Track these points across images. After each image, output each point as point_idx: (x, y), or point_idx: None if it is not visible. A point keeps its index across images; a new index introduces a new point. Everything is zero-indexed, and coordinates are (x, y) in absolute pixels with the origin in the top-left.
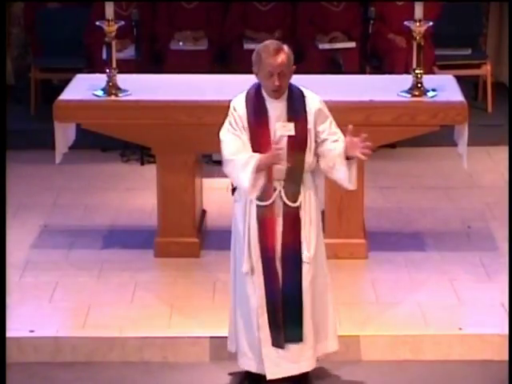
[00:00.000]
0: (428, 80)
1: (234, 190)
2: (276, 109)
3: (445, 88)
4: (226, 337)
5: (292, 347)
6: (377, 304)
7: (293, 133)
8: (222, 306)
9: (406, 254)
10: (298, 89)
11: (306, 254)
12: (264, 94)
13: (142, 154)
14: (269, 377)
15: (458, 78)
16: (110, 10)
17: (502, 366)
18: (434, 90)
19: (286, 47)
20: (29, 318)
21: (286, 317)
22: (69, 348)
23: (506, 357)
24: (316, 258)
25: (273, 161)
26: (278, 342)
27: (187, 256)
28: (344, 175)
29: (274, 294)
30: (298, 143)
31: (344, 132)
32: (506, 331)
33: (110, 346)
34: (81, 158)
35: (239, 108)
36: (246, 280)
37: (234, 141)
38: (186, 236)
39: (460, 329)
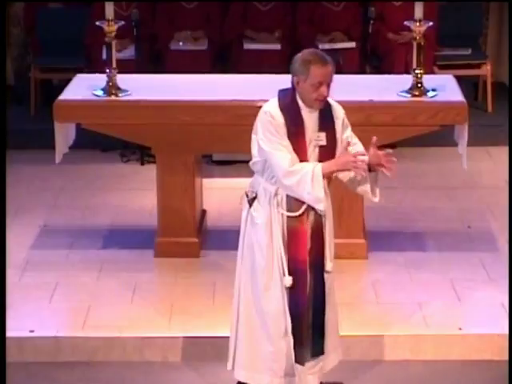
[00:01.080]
0: (428, 80)
1: (253, 199)
2: (311, 119)
3: (445, 88)
4: (226, 337)
5: (314, 360)
6: (377, 304)
7: (325, 143)
8: (222, 306)
9: (406, 254)
10: None
11: (329, 264)
12: (300, 103)
13: (141, 154)
14: None
15: (458, 78)
16: (109, 9)
17: (502, 366)
18: (434, 90)
19: (329, 57)
20: (29, 317)
21: (312, 331)
22: (69, 348)
23: (506, 357)
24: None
25: (346, 167)
26: (301, 359)
27: (187, 256)
28: (367, 188)
29: (300, 309)
30: (328, 153)
31: (368, 144)
32: (506, 331)
33: (110, 346)
34: (81, 158)
35: (277, 117)
36: (267, 295)
37: (285, 151)
38: (186, 236)
39: (460, 329)
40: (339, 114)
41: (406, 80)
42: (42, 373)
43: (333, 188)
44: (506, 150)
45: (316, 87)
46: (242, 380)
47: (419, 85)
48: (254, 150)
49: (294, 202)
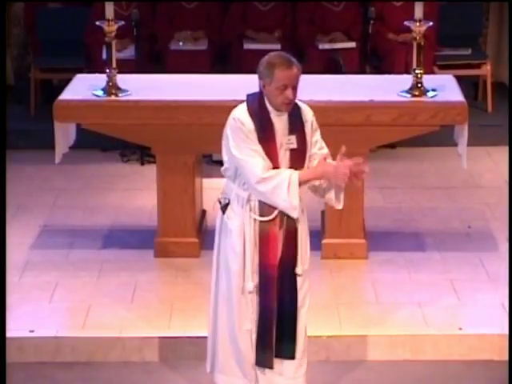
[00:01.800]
0: (428, 80)
1: (226, 206)
2: (280, 122)
3: (445, 88)
4: (208, 338)
5: (287, 364)
6: (377, 304)
7: (295, 146)
8: None
9: (405, 254)
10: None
11: (300, 267)
12: (269, 106)
13: (141, 154)
14: None
15: (458, 78)
16: (109, 9)
17: (502, 366)
18: (434, 90)
19: (295, 60)
20: (29, 317)
21: (279, 334)
22: (69, 348)
23: (506, 357)
24: (307, 273)
25: (334, 178)
26: (265, 363)
27: (187, 256)
28: (332, 195)
29: (268, 313)
30: (299, 156)
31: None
32: (506, 331)
33: (110, 346)
34: (81, 157)
35: (247, 122)
36: (240, 298)
37: (257, 157)
38: (186, 236)
39: (460, 329)
40: (308, 116)
41: (406, 80)
42: (41, 373)
43: None
44: (506, 149)
45: (281, 90)
46: (216, 381)
47: (419, 85)
48: (226, 156)
49: (266, 207)
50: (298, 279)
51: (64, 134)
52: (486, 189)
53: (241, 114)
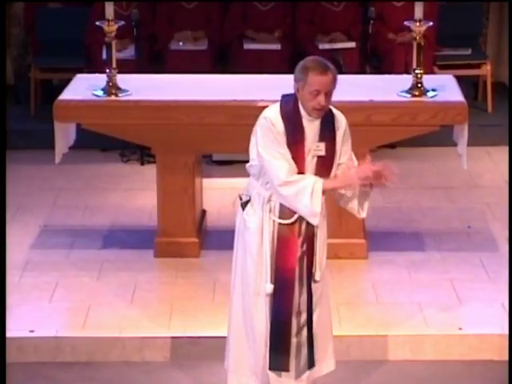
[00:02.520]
0: (428, 80)
1: (246, 203)
2: (312, 128)
3: (445, 88)
4: (227, 337)
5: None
6: (377, 304)
7: (323, 153)
8: (222, 306)
9: (405, 254)
10: (329, 107)
11: (318, 273)
12: (302, 111)
13: (141, 154)
14: None
15: (458, 78)
16: (109, 9)
17: (502, 366)
18: (434, 90)
19: (332, 66)
20: (29, 317)
21: (301, 343)
22: (69, 348)
23: (506, 357)
24: (324, 277)
25: (348, 183)
26: (281, 366)
27: (187, 256)
28: (355, 204)
29: (284, 317)
30: (326, 164)
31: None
32: (506, 331)
33: (110, 346)
34: (81, 158)
35: (278, 124)
36: (257, 300)
37: (282, 160)
38: (186, 236)
39: (460, 329)
40: (341, 124)
41: (406, 80)
42: (42, 373)
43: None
44: (506, 149)
45: (314, 95)
46: (231, 383)
47: (419, 85)
48: (253, 154)
49: (286, 210)
50: (315, 286)
51: (64, 134)
52: (486, 189)
53: (272, 114)
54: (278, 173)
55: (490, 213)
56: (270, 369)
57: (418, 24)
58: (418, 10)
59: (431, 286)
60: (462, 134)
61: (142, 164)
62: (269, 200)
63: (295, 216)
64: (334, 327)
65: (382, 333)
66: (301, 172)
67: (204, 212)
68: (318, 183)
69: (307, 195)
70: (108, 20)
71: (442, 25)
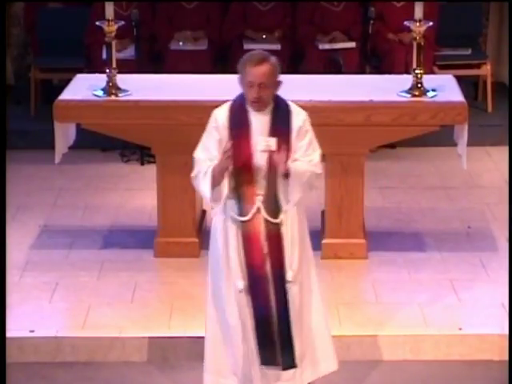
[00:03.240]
0: (428, 80)
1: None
2: (259, 122)
3: (445, 88)
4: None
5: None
6: (377, 304)
7: (274, 148)
8: None
9: (405, 254)
10: (285, 103)
11: (290, 273)
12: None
13: (141, 154)
14: None
15: (458, 78)
16: (109, 9)
17: (502, 366)
18: (434, 90)
19: (273, 59)
20: (29, 317)
21: (280, 343)
22: (69, 348)
23: (506, 357)
24: (303, 276)
25: (222, 165)
26: (271, 360)
27: (187, 256)
28: (281, 197)
29: (264, 312)
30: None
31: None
32: (506, 331)
33: (109, 346)
34: (81, 157)
35: (220, 118)
36: (230, 298)
37: (202, 155)
38: (186, 236)
39: (460, 329)
40: (297, 120)
41: (406, 80)
42: (41, 373)
43: (332, 188)
44: (506, 149)
45: (249, 87)
46: None
47: (419, 85)
48: None
49: (242, 207)
50: (290, 285)
51: (64, 134)
52: (486, 189)
53: (220, 109)
54: (194, 168)
55: (490, 213)
56: (263, 364)
57: (418, 24)
58: (418, 10)
59: (431, 285)
60: (462, 134)
61: (142, 164)
62: (229, 198)
63: (251, 213)
64: (334, 327)
65: (381, 333)
66: (249, 167)
67: (204, 212)
68: (210, 167)
69: (201, 180)
70: (108, 20)
71: (442, 25)
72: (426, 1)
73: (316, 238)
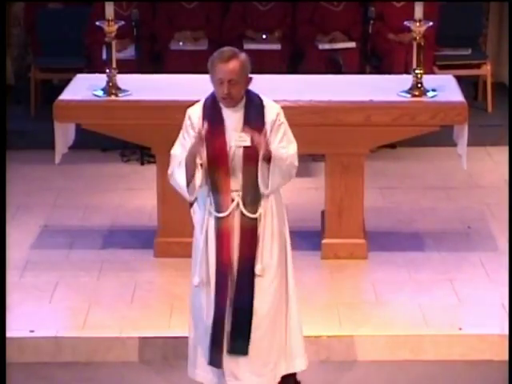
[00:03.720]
0: (428, 80)
1: (195, 199)
2: (232, 118)
3: (445, 88)
4: None
5: (253, 360)
6: (377, 304)
7: (249, 143)
8: None
9: (405, 254)
10: (258, 97)
11: (259, 267)
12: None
13: (141, 154)
14: None
15: (458, 78)
16: (109, 9)
17: (501, 366)
18: (434, 90)
19: (242, 55)
20: (29, 317)
21: (233, 331)
22: (69, 348)
23: (506, 357)
24: (279, 272)
25: (194, 148)
26: (215, 362)
27: (187, 256)
28: (260, 181)
29: (219, 312)
30: (252, 154)
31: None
32: (506, 331)
33: (109, 346)
34: (81, 158)
35: (194, 116)
36: (199, 292)
37: (177, 153)
38: (186, 236)
39: (460, 329)
40: (270, 114)
41: (406, 80)
42: (41, 373)
43: (332, 188)
44: (506, 149)
45: (219, 84)
46: (190, 376)
47: (419, 85)
48: None
49: (220, 203)
50: (261, 280)
51: (64, 134)
52: (486, 189)
53: (194, 107)
54: (170, 164)
55: (490, 213)
56: (209, 364)
57: (418, 24)
58: (418, 10)
59: (431, 286)
60: (462, 134)
61: (142, 164)
62: (208, 195)
63: (230, 207)
64: (334, 327)
65: (381, 333)
66: (225, 162)
67: None
68: (183, 159)
69: (176, 172)
70: (108, 20)
71: (442, 25)
72: (426, 1)
73: (316, 238)
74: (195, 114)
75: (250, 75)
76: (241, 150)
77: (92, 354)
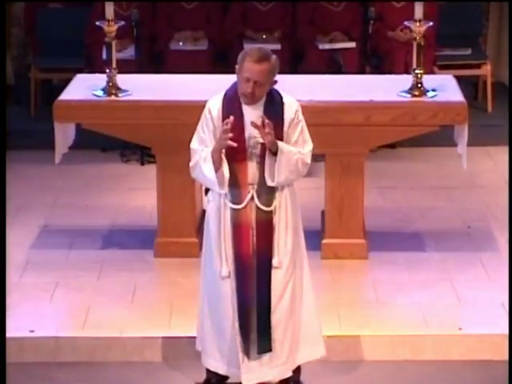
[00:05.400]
0: (428, 80)
1: (207, 190)
2: (252, 114)
3: (445, 88)
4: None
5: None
6: (377, 304)
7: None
8: None
9: (406, 254)
10: (279, 94)
11: (276, 259)
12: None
13: (141, 154)
14: (244, 383)
15: (458, 78)
16: (109, 10)
17: (502, 366)
18: (434, 90)
19: (273, 58)
20: (29, 317)
21: (258, 332)
22: (69, 348)
23: (506, 357)
24: (293, 264)
25: (220, 144)
26: (247, 350)
27: (187, 256)
28: (268, 172)
29: (246, 301)
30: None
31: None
32: (506, 331)
33: (109, 346)
34: (81, 158)
35: (214, 109)
36: (219, 283)
37: (197, 146)
38: (186, 236)
39: (460, 329)
40: (289, 112)
41: (406, 80)
42: (41, 373)
43: (332, 188)
44: (506, 149)
45: (244, 81)
46: (207, 367)
47: (419, 85)
48: None
49: (236, 195)
50: (277, 272)
51: (64, 134)
52: (486, 189)
53: (213, 100)
54: (192, 159)
55: (490, 213)
56: (242, 353)
57: (418, 24)
58: (418, 10)
59: (431, 286)
60: (462, 134)
61: (142, 164)
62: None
63: (246, 200)
64: (334, 327)
65: (381, 333)
66: (243, 157)
67: (204, 212)
68: (208, 153)
69: (203, 166)
70: (108, 20)
71: (441, 25)
72: (426, 0)
73: (316, 238)
74: (215, 106)
75: (275, 78)
76: (258, 145)
77: (92, 354)
